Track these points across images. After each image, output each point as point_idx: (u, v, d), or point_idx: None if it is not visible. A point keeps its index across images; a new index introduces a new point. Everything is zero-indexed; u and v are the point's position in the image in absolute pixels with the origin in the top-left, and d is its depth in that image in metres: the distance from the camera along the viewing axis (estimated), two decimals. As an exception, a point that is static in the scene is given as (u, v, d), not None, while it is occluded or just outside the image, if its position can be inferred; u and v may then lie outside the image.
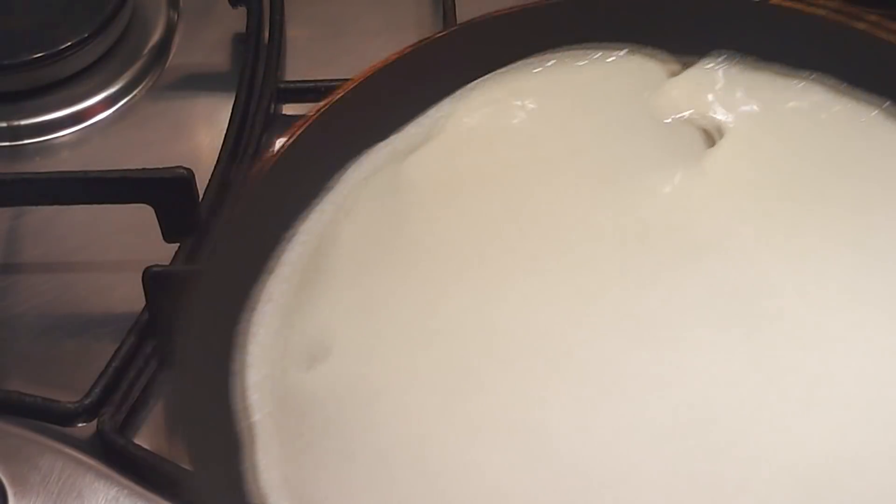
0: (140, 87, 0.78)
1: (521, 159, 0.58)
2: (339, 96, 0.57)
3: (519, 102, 0.60)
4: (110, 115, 0.77)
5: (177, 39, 0.82)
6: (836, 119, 0.57)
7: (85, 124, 0.76)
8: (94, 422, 0.59)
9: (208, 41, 0.81)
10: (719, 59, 0.60)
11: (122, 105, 0.77)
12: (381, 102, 0.58)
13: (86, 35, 0.76)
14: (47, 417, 0.59)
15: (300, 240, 0.56)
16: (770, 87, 0.59)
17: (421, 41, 0.59)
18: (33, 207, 0.67)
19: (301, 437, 0.49)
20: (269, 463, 0.48)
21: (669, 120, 0.59)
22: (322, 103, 0.56)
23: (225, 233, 0.54)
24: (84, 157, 0.73)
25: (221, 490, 0.47)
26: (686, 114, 0.59)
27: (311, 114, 0.56)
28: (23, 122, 0.75)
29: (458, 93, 0.60)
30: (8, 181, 0.66)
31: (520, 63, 0.60)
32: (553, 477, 0.46)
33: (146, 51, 0.80)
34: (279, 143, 0.55)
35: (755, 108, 0.59)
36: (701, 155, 0.57)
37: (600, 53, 0.61)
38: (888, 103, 0.57)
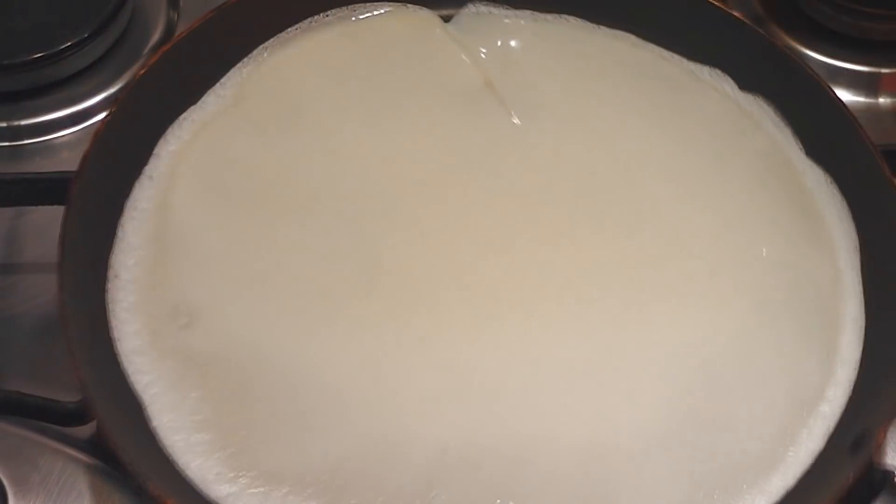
0: (140, 88, 0.78)
1: (325, 107, 0.65)
2: (141, 73, 0.62)
3: (307, 60, 0.67)
4: (110, 115, 0.77)
5: (177, 39, 0.82)
6: (591, 49, 0.69)
7: (85, 124, 0.76)
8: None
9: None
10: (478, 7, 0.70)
11: (122, 105, 0.77)
12: (183, 71, 0.63)
13: (86, 35, 0.76)
14: (47, 417, 0.59)
15: (138, 209, 0.61)
16: (528, 28, 0.69)
17: (211, 11, 0.65)
18: (33, 207, 0.67)
19: (196, 390, 0.55)
20: (171, 420, 0.55)
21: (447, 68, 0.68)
22: (128, 83, 0.62)
23: (68, 216, 0.57)
24: (84, 157, 0.73)
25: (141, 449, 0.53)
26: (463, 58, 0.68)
27: (120, 96, 0.61)
28: (23, 122, 0.75)
29: (254, 53, 0.66)
30: (8, 181, 0.66)
31: (303, 23, 0.67)
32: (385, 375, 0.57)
33: (146, 51, 0.80)
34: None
35: (519, 46, 0.69)
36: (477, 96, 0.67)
37: (379, 9, 0.69)
38: (633, 36, 0.70)
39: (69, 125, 0.76)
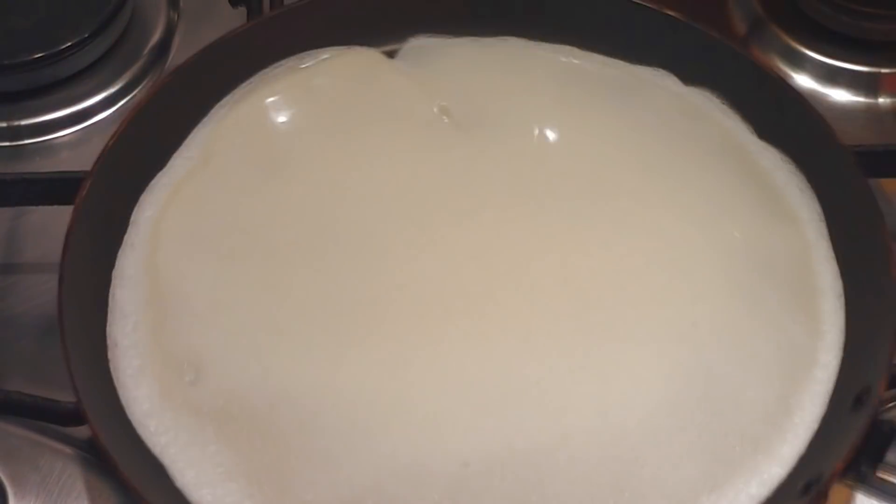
0: (140, 87, 0.78)
1: (295, 154, 0.66)
2: (110, 144, 0.62)
3: (267, 111, 0.68)
4: (110, 114, 0.77)
5: (177, 39, 0.82)
6: (536, 64, 0.72)
7: (85, 124, 0.76)
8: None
9: (208, 41, 0.81)
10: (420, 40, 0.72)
11: (122, 105, 0.77)
12: (147, 138, 0.64)
13: (86, 35, 0.76)
14: (47, 417, 0.59)
15: (125, 277, 0.61)
16: (472, 53, 0.72)
17: (167, 76, 0.66)
18: (33, 207, 0.67)
19: (215, 442, 0.56)
20: (195, 476, 0.55)
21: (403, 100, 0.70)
22: (99, 156, 0.61)
23: (61, 295, 0.57)
24: (84, 157, 0.73)
25: None
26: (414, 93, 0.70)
27: (92, 169, 0.61)
28: (23, 122, 0.75)
29: (212, 112, 0.67)
30: (8, 181, 0.66)
31: (255, 77, 0.69)
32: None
33: (146, 51, 0.80)
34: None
35: (467, 71, 0.71)
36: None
37: (323, 54, 0.71)
38: (574, 48, 0.72)
39: (69, 125, 0.76)
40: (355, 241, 0.63)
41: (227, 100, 0.68)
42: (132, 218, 0.63)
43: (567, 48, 0.72)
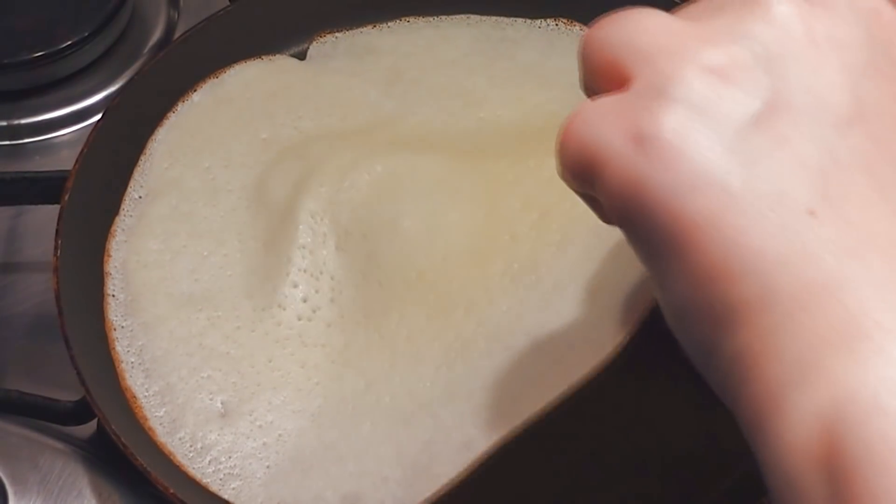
0: (140, 87, 0.78)
1: (241, 170, 0.66)
2: (65, 199, 0.61)
3: (198, 136, 0.68)
4: (110, 114, 0.77)
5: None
6: (441, 36, 0.73)
7: (85, 123, 0.76)
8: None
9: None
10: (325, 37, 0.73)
11: (122, 104, 0.77)
12: (98, 185, 0.63)
13: (86, 34, 0.76)
14: (47, 416, 0.59)
15: (118, 328, 0.60)
16: (379, 39, 0.73)
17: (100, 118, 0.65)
18: (33, 206, 0.67)
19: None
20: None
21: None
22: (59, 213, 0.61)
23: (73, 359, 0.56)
24: (84, 156, 0.73)
25: None
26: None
27: (59, 228, 0.60)
28: (23, 121, 0.75)
29: (147, 148, 0.66)
30: (7, 180, 0.66)
31: (178, 106, 0.68)
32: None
33: (146, 51, 0.80)
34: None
35: (382, 56, 0.72)
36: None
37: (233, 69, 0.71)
38: (472, 15, 0.73)
39: (69, 124, 0.76)
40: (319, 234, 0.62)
41: (158, 133, 0.67)
42: (106, 269, 0.62)
43: (465, 17, 0.73)
